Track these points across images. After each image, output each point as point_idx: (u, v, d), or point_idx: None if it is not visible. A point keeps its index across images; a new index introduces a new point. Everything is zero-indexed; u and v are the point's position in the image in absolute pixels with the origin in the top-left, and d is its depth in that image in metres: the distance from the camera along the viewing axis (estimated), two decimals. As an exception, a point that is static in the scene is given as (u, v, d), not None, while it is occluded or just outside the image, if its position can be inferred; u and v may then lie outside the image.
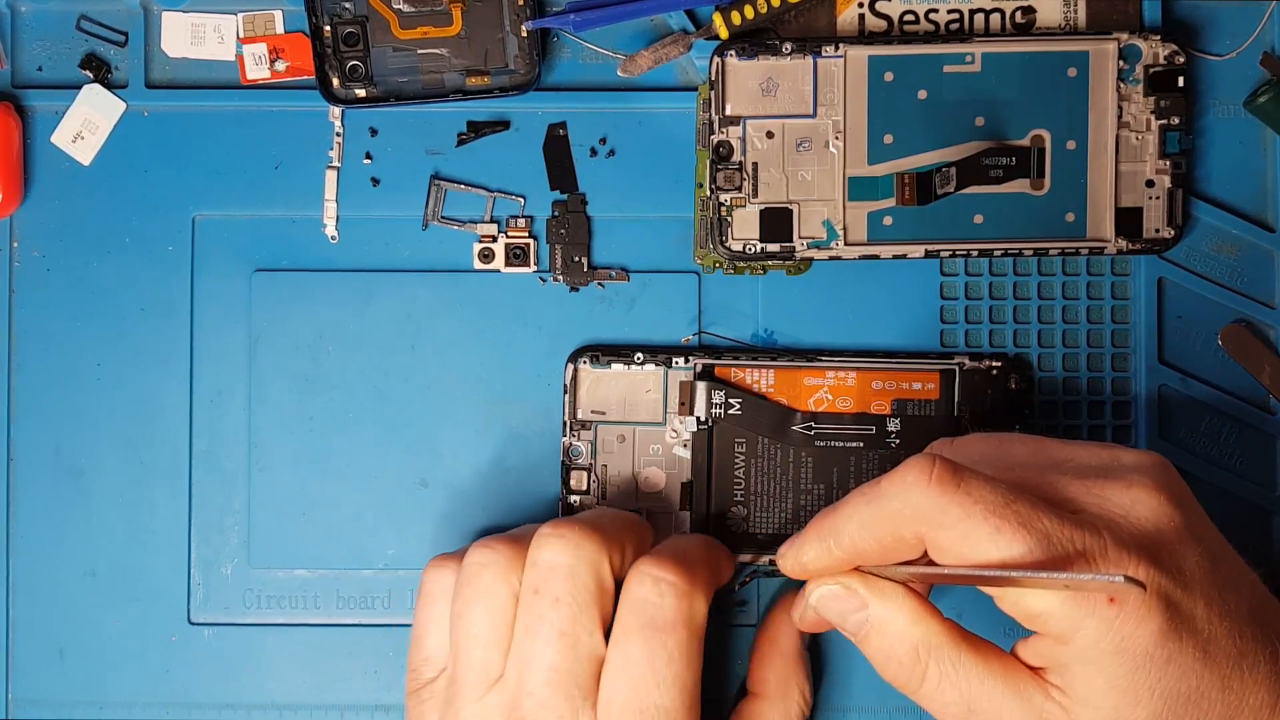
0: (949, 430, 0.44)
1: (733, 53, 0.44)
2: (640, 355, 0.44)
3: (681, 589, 0.38)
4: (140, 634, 0.45)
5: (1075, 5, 0.45)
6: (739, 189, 0.44)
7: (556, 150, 0.46)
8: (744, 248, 0.45)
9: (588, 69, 0.46)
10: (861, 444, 0.44)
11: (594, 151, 0.46)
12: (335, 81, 0.45)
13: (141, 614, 0.45)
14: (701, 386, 0.44)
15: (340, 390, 0.46)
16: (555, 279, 0.46)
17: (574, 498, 0.45)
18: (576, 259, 0.46)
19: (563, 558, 0.38)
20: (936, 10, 0.45)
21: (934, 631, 0.37)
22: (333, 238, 0.46)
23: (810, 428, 0.44)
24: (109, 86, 0.45)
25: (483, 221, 0.46)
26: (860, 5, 0.45)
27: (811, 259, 0.45)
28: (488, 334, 0.46)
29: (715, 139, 0.44)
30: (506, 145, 0.46)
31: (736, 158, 0.44)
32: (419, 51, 0.45)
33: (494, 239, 0.46)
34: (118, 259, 0.46)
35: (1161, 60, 0.44)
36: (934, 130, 0.44)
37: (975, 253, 0.45)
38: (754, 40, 0.44)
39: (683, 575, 0.38)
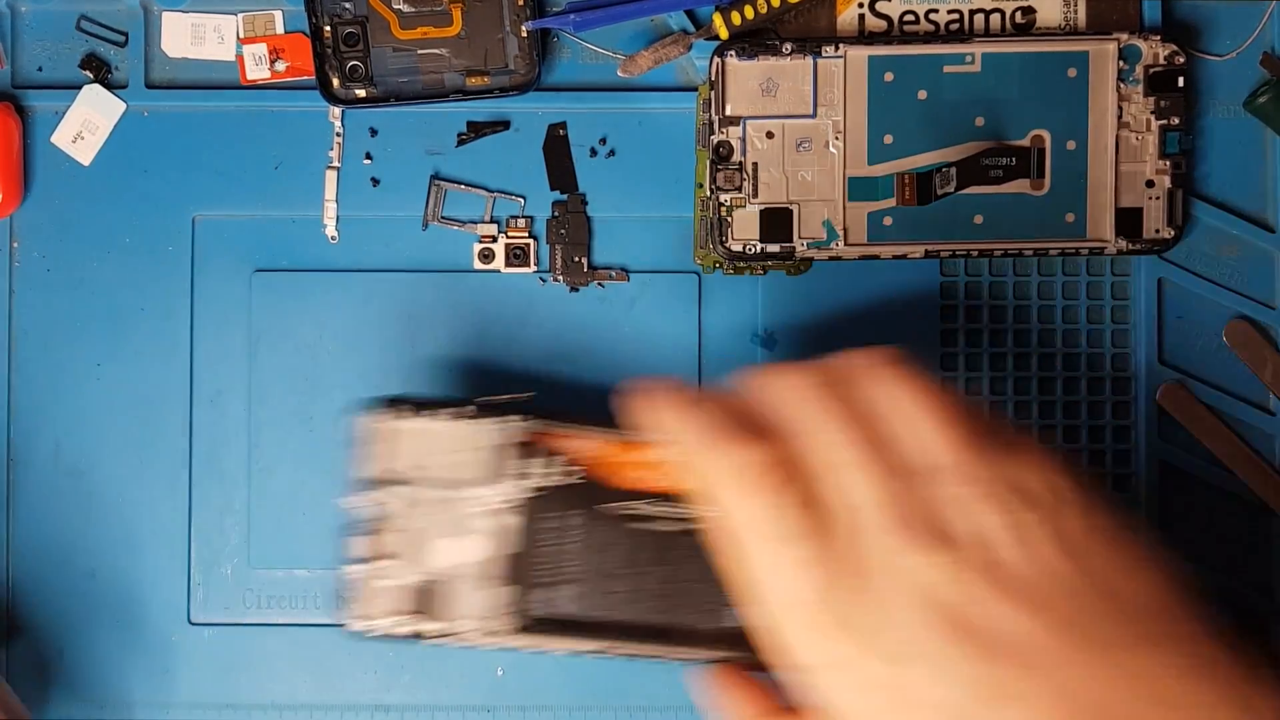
0: None
1: (733, 53, 0.44)
2: (458, 410, 0.39)
3: None
4: (140, 634, 0.45)
5: (1075, 5, 0.45)
6: (739, 189, 0.44)
7: (556, 150, 0.46)
8: (744, 248, 0.45)
9: (588, 69, 0.46)
10: (686, 524, 0.38)
11: (594, 151, 0.46)
12: (335, 81, 0.45)
13: (141, 614, 0.45)
14: (525, 451, 0.38)
15: (340, 390, 0.46)
16: (555, 279, 0.46)
17: (373, 564, 0.38)
18: (576, 259, 0.46)
19: None
20: (936, 10, 0.45)
21: None
22: (333, 238, 0.46)
23: (630, 506, 0.39)
24: (109, 86, 0.45)
25: (483, 221, 0.46)
26: (860, 5, 0.45)
27: (811, 259, 0.45)
28: (488, 334, 0.46)
29: (715, 139, 0.44)
30: (506, 145, 0.46)
31: (736, 158, 0.44)
32: (419, 51, 0.45)
33: (494, 239, 0.46)
34: (118, 259, 0.46)
35: (1161, 60, 0.44)
36: (934, 130, 0.44)
37: (975, 253, 0.45)
38: (754, 40, 0.44)
39: None
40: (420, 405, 0.39)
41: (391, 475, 0.39)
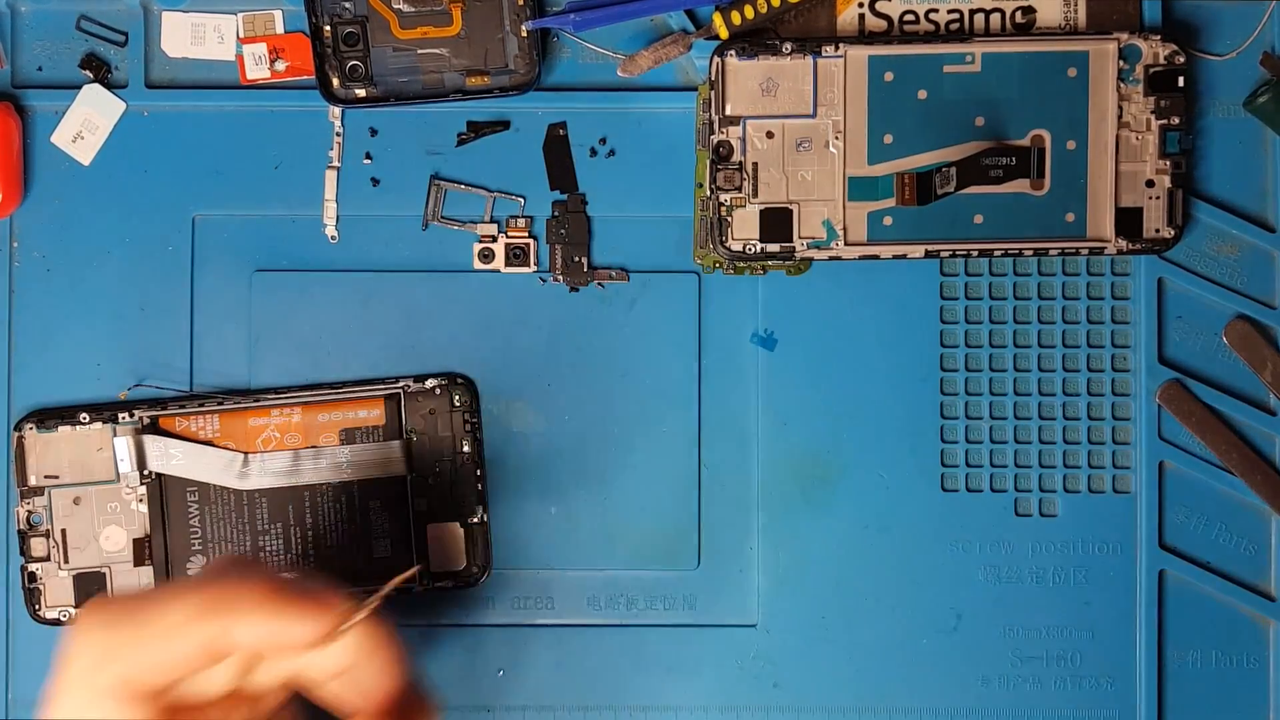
0: (400, 452, 0.44)
1: (733, 53, 0.44)
2: (86, 415, 0.44)
3: None
4: (140, 634, 0.45)
5: (1075, 5, 0.45)
6: (739, 189, 0.44)
7: (556, 150, 0.46)
8: (744, 248, 0.45)
9: (588, 69, 0.46)
10: (316, 479, 0.44)
11: (594, 151, 0.46)
12: (335, 81, 0.45)
13: (141, 614, 0.45)
14: (146, 440, 0.44)
15: (340, 390, 0.46)
16: (555, 279, 0.46)
17: (35, 565, 0.44)
18: (576, 259, 0.46)
19: None
20: (936, 10, 0.45)
21: None
22: (333, 238, 0.46)
23: (258, 469, 0.44)
24: (109, 86, 0.45)
25: (483, 221, 0.46)
26: (860, 5, 0.45)
27: (811, 259, 0.45)
28: (488, 334, 0.46)
29: (715, 139, 0.44)
30: (506, 145, 0.46)
31: (736, 158, 0.44)
32: (419, 51, 0.45)
33: (494, 239, 0.46)
34: (118, 259, 0.46)
35: (1161, 60, 0.44)
36: (934, 130, 0.44)
37: (975, 253, 0.45)
38: (754, 40, 0.44)
39: None
40: (62, 414, 0.44)
41: (49, 480, 0.44)
